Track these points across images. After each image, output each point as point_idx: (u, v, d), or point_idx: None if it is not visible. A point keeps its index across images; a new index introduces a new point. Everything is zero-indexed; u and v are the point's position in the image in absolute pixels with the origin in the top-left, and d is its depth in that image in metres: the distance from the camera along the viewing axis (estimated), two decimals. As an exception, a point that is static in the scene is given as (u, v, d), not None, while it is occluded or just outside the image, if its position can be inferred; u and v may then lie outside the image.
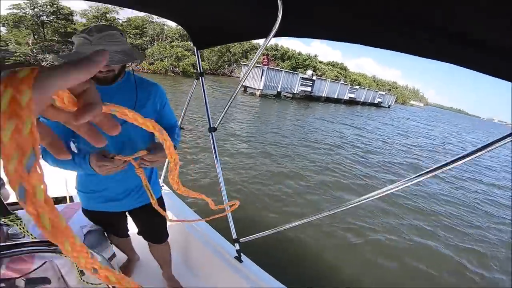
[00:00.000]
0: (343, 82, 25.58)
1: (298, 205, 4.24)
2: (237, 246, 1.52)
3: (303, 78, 19.91)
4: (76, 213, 1.51)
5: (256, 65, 19.97)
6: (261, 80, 17.23)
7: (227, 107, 1.41)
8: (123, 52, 0.95)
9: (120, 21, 26.12)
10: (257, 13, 1.06)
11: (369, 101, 28.73)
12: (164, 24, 27.17)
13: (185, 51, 23.29)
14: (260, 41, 1.93)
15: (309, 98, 21.15)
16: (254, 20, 1.15)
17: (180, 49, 23.17)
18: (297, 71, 24.56)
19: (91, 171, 0.93)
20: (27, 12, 23.38)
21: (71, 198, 2.05)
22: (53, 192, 2.06)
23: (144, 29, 25.69)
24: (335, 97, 23.55)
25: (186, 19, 1.47)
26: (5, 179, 1.06)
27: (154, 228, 1.42)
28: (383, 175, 6.54)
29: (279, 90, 18.81)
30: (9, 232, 1.27)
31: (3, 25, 26.20)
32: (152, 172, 1.31)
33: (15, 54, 22.86)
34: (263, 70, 17.20)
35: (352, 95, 25.54)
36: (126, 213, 1.36)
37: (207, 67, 27.10)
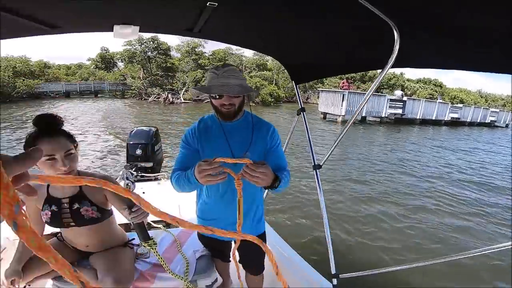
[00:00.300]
0: (441, 101, 21.81)
1: (398, 243, 3.78)
2: (334, 281, 1.45)
3: (391, 100, 17.72)
4: (190, 237, 1.66)
5: (334, 89, 18.94)
6: (342, 106, 16.04)
7: (335, 144, 1.38)
8: (241, 85, 1.12)
9: (206, 54, 29.44)
10: (368, 47, 1.08)
11: (478, 121, 23.52)
12: (242, 56, 29.21)
13: (262, 81, 24.17)
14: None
15: (400, 122, 18.55)
16: (363, 54, 1.15)
17: (258, 79, 24.18)
18: (382, 92, 22.24)
19: (196, 182, 0.99)
20: (137, 48, 28.57)
21: None
22: None
23: (226, 61, 28.10)
24: (433, 118, 20.09)
25: (287, 57, 1.55)
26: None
27: (255, 260, 1.48)
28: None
29: (363, 115, 17.13)
30: (138, 251, 1.49)
31: (121, 61, 32.83)
32: (258, 206, 1.36)
33: (131, 88, 28.10)
34: (343, 95, 16.03)
35: (455, 115, 21.37)
36: (233, 241, 1.46)
37: (282, 94, 27.38)
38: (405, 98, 18.43)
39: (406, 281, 2.93)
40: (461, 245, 3.95)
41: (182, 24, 1.22)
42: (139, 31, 1.19)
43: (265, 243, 1.39)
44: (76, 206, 1.25)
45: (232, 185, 0.99)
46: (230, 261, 1.59)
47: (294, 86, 1.70)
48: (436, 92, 31.34)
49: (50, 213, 1.25)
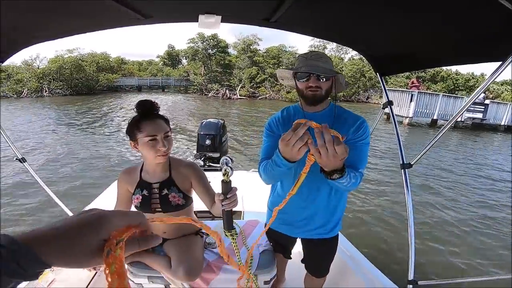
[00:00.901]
0: (535, 106, 18.42)
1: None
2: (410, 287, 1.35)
3: (473, 103, 15.56)
4: (254, 229, 1.64)
5: (401, 89, 17.43)
6: (409, 107, 14.71)
7: (430, 144, 1.30)
8: (329, 69, 1.09)
9: (261, 52, 29.84)
10: (481, 38, 0.95)
11: None
12: (295, 53, 28.82)
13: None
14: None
15: (479, 127, 16.26)
16: (473, 46, 1.02)
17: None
18: (458, 94, 19.74)
19: (285, 163, 0.91)
20: (199, 46, 30.27)
21: (243, 213, 2.26)
22: None
23: (280, 58, 28.05)
24: (522, 125, 17.08)
25: (372, 48, 1.47)
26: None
27: (320, 262, 1.42)
28: None
29: (435, 117, 15.47)
30: (206, 241, 1.47)
31: (185, 58, 35.22)
32: (338, 206, 1.27)
33: (194, 84, 30.05)
34: (412, 94, 14.67)
35: (552, 123, 17.84)
36: (298, 238, 1.41)
37: (341, 94, 26.21)
38: (487, 101, 16.07)
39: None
40: None
41: (260, 13, 1.20)
42: (221, 21, 1.20)
43: (336, 245, 1.39)
44: (165, 191, 1.28)
45: (308, 179, 0.84)
46: (291, 258, 1.55)
47: (380, 79, 1.61)
48: (527, 96, 26.55)
49: (141, 197, 1.28)
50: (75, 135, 9.45)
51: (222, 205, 0.99)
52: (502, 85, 29.20)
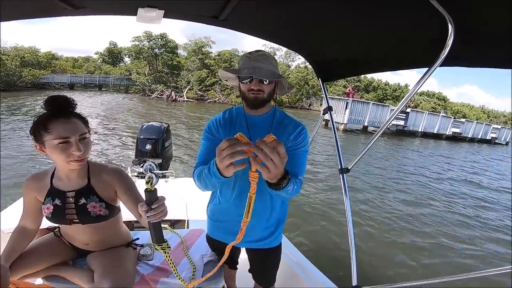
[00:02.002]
0: (444, 115, 21.84)
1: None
2: None
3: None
4: (197, 240, 1.55)
5: (338, 97, 18.95)
6: (345, 114, 16.04)
7: (365, 149, 1.30)
8: (272, 72, 1.06)
9: (213, 55, 29.54)
10: (415, 42, 1.00)
11: (479, 137, 23.46)
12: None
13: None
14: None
15: (402, 133, 18.54)
16: (408, 50, 1.09)
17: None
18: (386, 103, 22.25)
19: (219, 175, 0.85)
20: (144, 45, 28.54)
21: (188, 222, 2.17)
22: (173, 215, 2.15)
23: (232, 62, 28.14)
24: (435, 132, 20.07)
25: (316, 53, 1.47)
26: None
27: (265, 272, 1.41)
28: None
29: (365, 124, 17.12)
30: (140, 253, 1.38)
31: (128, 56, 32.89)
32: (279, 215, 1.26)
33: (136, 83, 28.10)
34: (347, 102, 16.04)
35: (457, 130, 21.36)
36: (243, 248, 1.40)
37: (286, 100, 27.41)
38: (408, 110, 18.43)
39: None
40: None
41: (207, 11, 1.15)
42: (164, 17, 1.12)
43: (280, 254, 1.37)
44: (82, 201, 1.13)
45: (247, 189, 0.82)
46: (237, 268, 1.51)
47: (321, 84, 1.61)
48: (439, 105, 31.36)
49: (52, 207, 1.12)
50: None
51: (147, 216, 0.88)
52: (420, 95, 33.91)
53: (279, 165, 0.72)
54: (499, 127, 26.18)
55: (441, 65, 0.90)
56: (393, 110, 17.37)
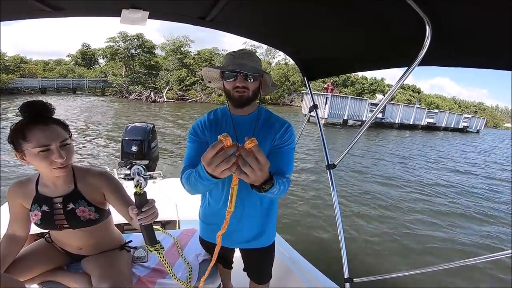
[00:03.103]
0: (419, 106, 22.81)
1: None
2: (347, 286, 1.40)
3: (372, 104, 18.31)
4: (190, 240, 1.56)
5: (318, 92, 19.32)
6: (325, 109, 16.38)
7: (350, 145, 1.31)
8: (256, 68, 1.06)
9: (192, 54, 29.10)
10: (395, 42, 1.03)
11: (452, 126, 24.81)
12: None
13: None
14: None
15: (380, 125, 19.19)
16: (388, 50, 1.11)
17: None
18: (364, 97, 22.93)
19: (208, 178, 0.82)
20: (120, 45, 27.61)
21: (179, 222, 2.17)
22: (163, 216, 2.11)
23: (212, 61, 27.88)
24: (410, 123, 20.95)
25: (301, 51, 1.50)
26: None
27: (261, 269, 1.43)
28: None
29: (345, 118, 17.58)
30: (134, 255, 1.37)
31: (103, 58, 31.76)
32: (269, 214, 1.27)
33: (112, 85, 27.15)
34: (327, 97, 16.38)
35: (431, 120, 22.42)
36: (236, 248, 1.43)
37: (268, 97, 27.54)
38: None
39: (422, 286, 3.00)
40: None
41: (194, 11, 1.14)
42: (149, 18, 1.09)
43: (274, 252, 1.40)
44: (71, 206, 1.11)
45: (238, 189, 0.80)
46: (232, 268, 1.52)
47: (306, 83, 1.63)
48: (414, 97, 32.71)
49: (40, 214, 1.10)
50: None
51: (138, 219, 0.88)
52: (396, 88, 35.14)
53: (258, 173, 0.70)
54: (470, 116, 27.70)
55: (419, 65, 0.92)
56: (371, 103, 18.06)
